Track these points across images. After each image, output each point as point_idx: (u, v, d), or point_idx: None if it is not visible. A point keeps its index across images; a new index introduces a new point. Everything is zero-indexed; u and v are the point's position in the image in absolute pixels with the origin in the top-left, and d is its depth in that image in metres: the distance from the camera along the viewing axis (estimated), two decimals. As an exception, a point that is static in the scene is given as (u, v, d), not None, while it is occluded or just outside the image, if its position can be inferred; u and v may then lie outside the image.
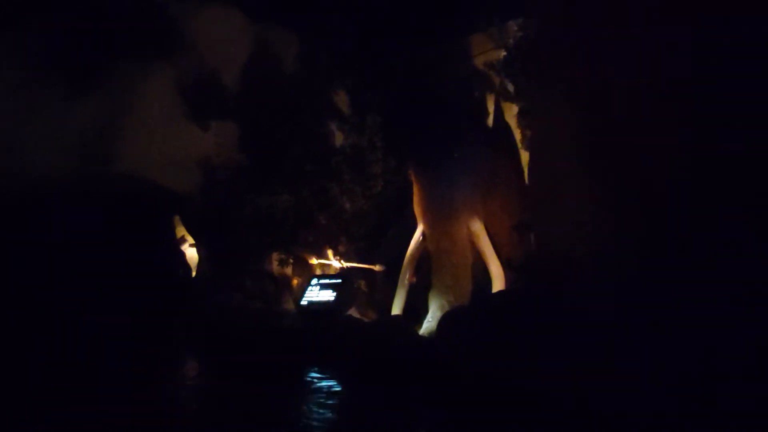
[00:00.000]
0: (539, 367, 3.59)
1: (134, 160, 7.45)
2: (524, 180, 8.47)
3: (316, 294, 6.09)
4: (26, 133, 7.05)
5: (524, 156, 8.78)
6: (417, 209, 6.97)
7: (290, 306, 7.01)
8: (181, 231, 8.76)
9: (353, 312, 6.28)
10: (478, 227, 6.72)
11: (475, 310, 4.64)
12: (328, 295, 5.96)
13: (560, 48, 4.45)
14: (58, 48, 7.02)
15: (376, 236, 8.89)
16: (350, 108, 9.01)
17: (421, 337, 5.01)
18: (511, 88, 9.18)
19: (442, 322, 4.72)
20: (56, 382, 4.71)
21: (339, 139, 8.76)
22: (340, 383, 4.19)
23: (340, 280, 6.08)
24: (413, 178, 6.94)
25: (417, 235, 6.93)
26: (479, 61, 9.63)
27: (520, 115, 8.91)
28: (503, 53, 9.21)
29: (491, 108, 9.40)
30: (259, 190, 8.06)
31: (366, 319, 6.45)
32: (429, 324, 6.17)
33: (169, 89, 7.78)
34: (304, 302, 6.15)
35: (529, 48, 8.61)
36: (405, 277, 6.87)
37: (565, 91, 4.34)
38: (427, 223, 6.77)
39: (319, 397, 3.82)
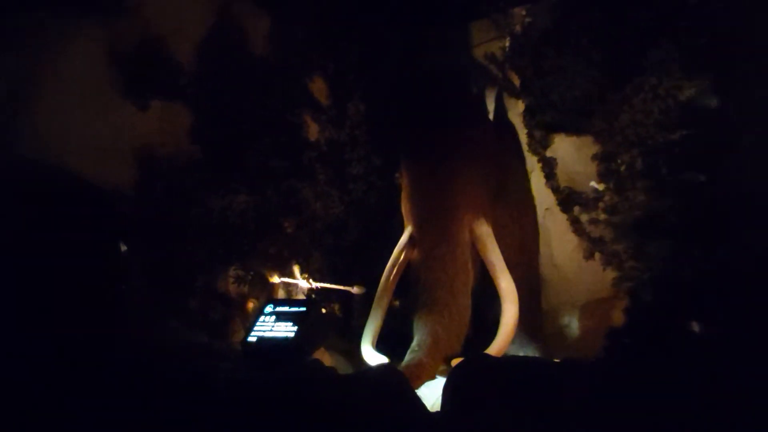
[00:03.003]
0: None
1: (48, 143, 5.44)
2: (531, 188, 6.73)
3: (270, 327, 4.11)
4: None
5: (530, 160, 7.10)
6: (405, 206, 5.05)
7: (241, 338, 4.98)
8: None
9: (323, 354, 4.34)
10: (484, 231, 4.83)
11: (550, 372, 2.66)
12: (287, 330, 4.00)
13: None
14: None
15: (355, 251, 7.01)
16: (329, 98, 7.14)
17: (429, 414, 3.05)
18: (516, 81, 7.53)
19: (458, 387, 2.80)
20: None
21: (313, 132, 6.88)
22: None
23: (304, 309, 4.13)
24: (403, 171, 5.03)
25: (403, 240, 5.00)
26: (479, 52, 7.97)
27: (527, 113, 7.28)
28: (507, 42, 7.56)
29: (491, 105, 7.69)
30: (213, 188, 6.10)
31: (339, 361, 4.53)
32: (415, 354, 4.25)
33: (100, 56, 5.81)
34: (251, 338, 4.15)
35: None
36: (384, 295, 4.91)
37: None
38: (417, 224, 4.85)
39: None
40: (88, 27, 5.76)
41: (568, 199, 7.05)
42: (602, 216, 5.45)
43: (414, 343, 4.41)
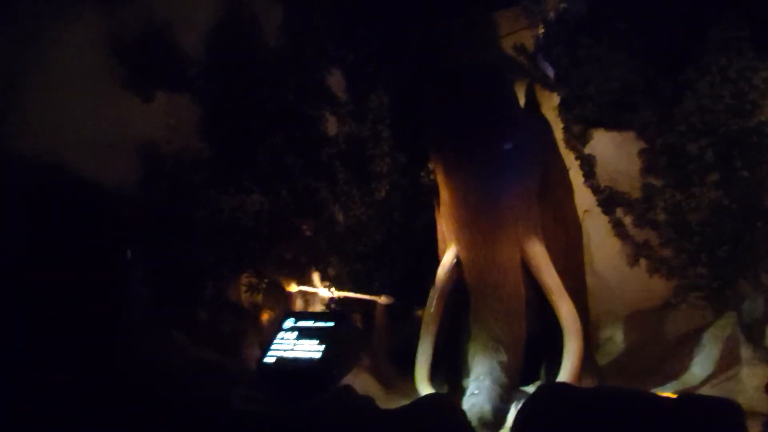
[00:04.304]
0: None
1: (43, 138, 4.86)
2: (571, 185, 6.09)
3: (292, 345, 3.44)
4: None
5: (568, 157, 6.45)
6: (447, 225, 4.35)
7: (256, 355, 4.33)
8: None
9: (354, 377, 3.64)
10: (538, 251, 4.18)
11: None
12: (312, 349, 3.33)
13: None
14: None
15: (378, 256, 6.35)
16: (347, 92, 6.52)
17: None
18: (550, 73, 6.90)
19: (532, 423, 2.15)
20: None
21: (332, 126, 6.25)
22: None
23: (332, 323, 3.45)
24: (443, 179, 4.31)
25: (448, 260, 4.32)
26: (508, 43, 7.36)
27: (563, 106, 6.64)
28: (541, 30, 6.94)
29: (522, 99, 7.05)
30: (223, 187, 5.49)
31: (367, 383, 3.86)
32: (475, 399, 3.63)
33: (100, 43, 5.23)
34: (269, 359, 3.47)
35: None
36: (431, 322, 4.27)
37: None
38: (464, 246, 4.17)
39: None
40: (87, 11, 5.19)
41: (609, 200, 6.38)
42: (662, 216, 4.75)
43: (472, 386, 3.80)
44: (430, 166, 4.62)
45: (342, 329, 3.39)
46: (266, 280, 5.44)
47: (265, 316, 4.97)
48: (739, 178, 4.05)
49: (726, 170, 4.12)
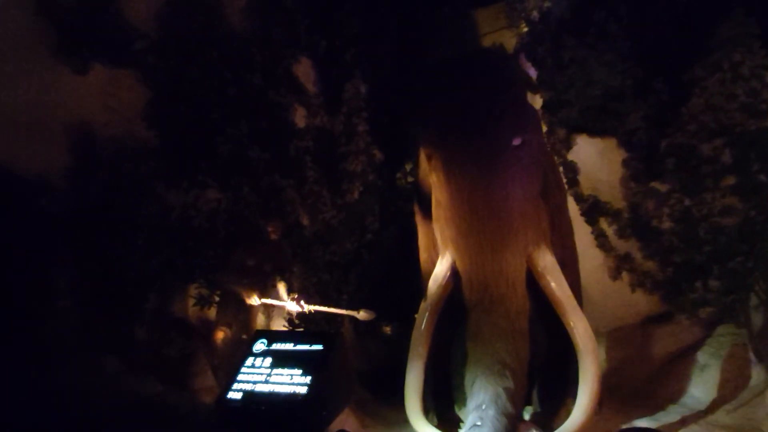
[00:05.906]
0: None
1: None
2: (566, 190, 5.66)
3: (265, 376, 2.59)
4: None
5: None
6: (445, 229, 3.59)
7: (208, 385, 3.43)
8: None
9: (347, 418, 2.84)
10: (548, 262, 3.58)
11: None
12: (294, 381, 2.51)
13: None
14: None
15: (348, 265, 5.63)
16: (319, 81, 5.77)
17: None
18: (533, 74, 6.51)
19: None
20: None
21: (301, 117, 5.48)
22: None
23: (321, 347, 2.63)
24: (442, 177, 3.57)
25: (442, 271, 3.60)
26: (488, 41, 6.96)
27: (546, 110, 6.25)
28: (524, 28, 6.55)
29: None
30: (173, 180, 4.59)
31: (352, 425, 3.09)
32: (479, 431, 2.96)
33: (24, 4, 4.21)
34: (233, 394, 2.59)
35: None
36: (421, 343, 3.55)
37: None
38: (466, 253, 3.46)
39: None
40: (8, -38, 4.19)
41: (593, 210, 6.02)
42: (667, 224, 4.33)
43: (473, 416, 3.16)
44: (425, 161, 3.90)
45: (334, 354, 2.58)
46: (219, 292, 4.54)
47: (220, 336, 4.08)
48: (758, 183, 3.66)
49: (743, 174, 3.72)
